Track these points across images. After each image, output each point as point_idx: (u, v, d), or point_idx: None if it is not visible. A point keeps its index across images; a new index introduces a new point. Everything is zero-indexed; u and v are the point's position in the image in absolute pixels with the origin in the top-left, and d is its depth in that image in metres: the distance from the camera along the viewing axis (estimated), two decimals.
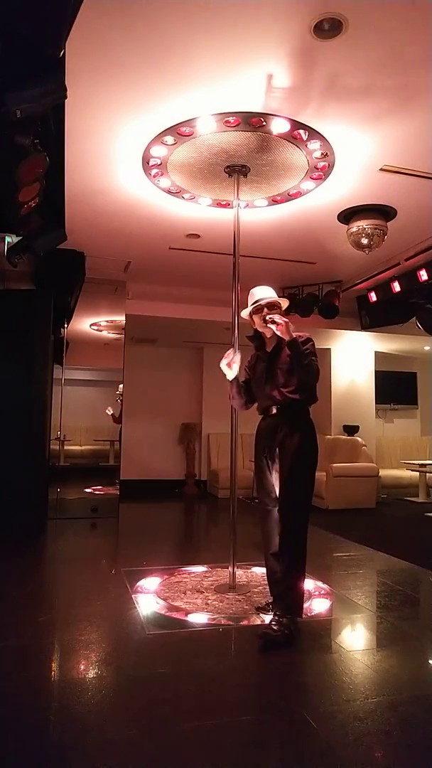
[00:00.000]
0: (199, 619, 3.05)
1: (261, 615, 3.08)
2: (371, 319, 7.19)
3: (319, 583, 3.70)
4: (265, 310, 3.05)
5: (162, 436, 9.04)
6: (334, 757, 1.80)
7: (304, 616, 3.08)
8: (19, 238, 4.45)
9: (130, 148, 3.69)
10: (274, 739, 1.93)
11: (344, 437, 8.39)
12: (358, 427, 8.59)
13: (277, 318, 2.92)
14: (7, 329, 5.76)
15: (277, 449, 2.97)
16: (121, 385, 6.80)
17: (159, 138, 3.53)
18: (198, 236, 5.31)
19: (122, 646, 2.71)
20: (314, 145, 3.58)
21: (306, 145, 3.59)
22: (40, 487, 5.86)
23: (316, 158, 3.77)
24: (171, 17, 2.54)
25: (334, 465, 7.37)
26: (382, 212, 4.67)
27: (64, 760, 1.80)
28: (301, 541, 2.90)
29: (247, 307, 3.16)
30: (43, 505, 5.84)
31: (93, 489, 6.54)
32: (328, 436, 8.25)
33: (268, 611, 3.02)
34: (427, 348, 8.98)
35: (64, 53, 2.41)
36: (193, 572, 3.97)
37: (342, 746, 1.85)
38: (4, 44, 2.23)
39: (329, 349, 8.60)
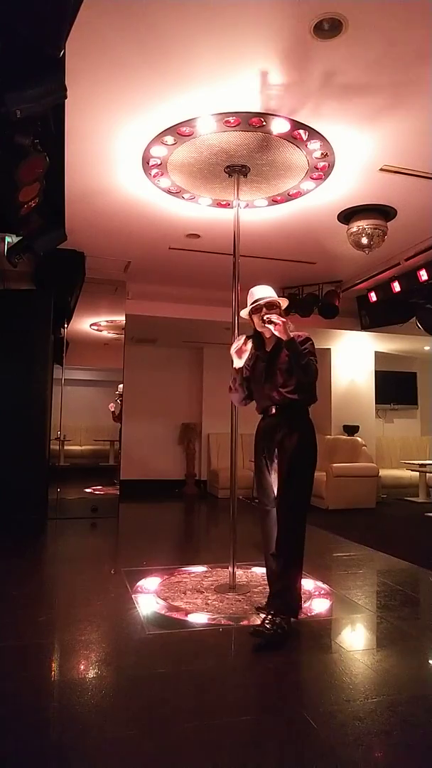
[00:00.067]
0: (199, 619, 3.05)
1: (261, 615, 3.07)
2: (371, 319, 7.19)
3: (319, 583, 3.70)
4: (264, 309, 3.05)
5: (162, 436, 9.03)
6: (334, 757, 1.80)
7: (304, 615, 3.08)
8: (19, 238, 4.46)
9: (130, 148, 3.69)
10: (274, 739, 1.92)
11: (344, 437, 8.39)
12: (358, 427, 8.59)
13: (274, 318, 2.92)
14: (7, 329, 5.76)
15: (276, 449, 2.97)
16: (120, 385, 6.80)
17: (159, 138, 3.53)
18: (198, 236, 5.31)
19: (122, 646, 2.71)
20: (314, 145, 3.58)
21: (306, 145, 3.59)
22: (40, 487, 5.86)
23: (316, 158, 3.77)
24: (171, 17, 2.54)
25: (334, 465, 7.37)
26: (382, 212, 4.67)
27: (64, 760, 1.80)
28: (299, 541, 2.90)
29: (246, 306, 3.16)
30: (43, 505, 5.85)
31: (93, 489, 6.54)
32: (328, 436, 8.25)
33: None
34: (427, 348, 8.98)
35: (64, 53, 2.41)
36: (193, 572, 3.97)
37: (342, 746, 1.85)
38: (4, 44, 2.23)
39: (329, 349, 8.60)
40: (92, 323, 6.69)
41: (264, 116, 3.28)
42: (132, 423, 8.12)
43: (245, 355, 3.12)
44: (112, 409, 6.73)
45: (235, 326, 3.74)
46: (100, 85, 3.04)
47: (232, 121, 3.31)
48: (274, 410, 3.04)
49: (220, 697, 2.23)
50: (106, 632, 2.88)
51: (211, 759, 1.81)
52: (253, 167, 3.86)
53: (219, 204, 4.54)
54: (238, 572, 3.66)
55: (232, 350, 3.15)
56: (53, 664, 2.56)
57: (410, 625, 3.10)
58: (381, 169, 3.97)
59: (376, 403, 9.06)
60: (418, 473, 8.37)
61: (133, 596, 3.40)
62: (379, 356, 9.06)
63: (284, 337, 2.91)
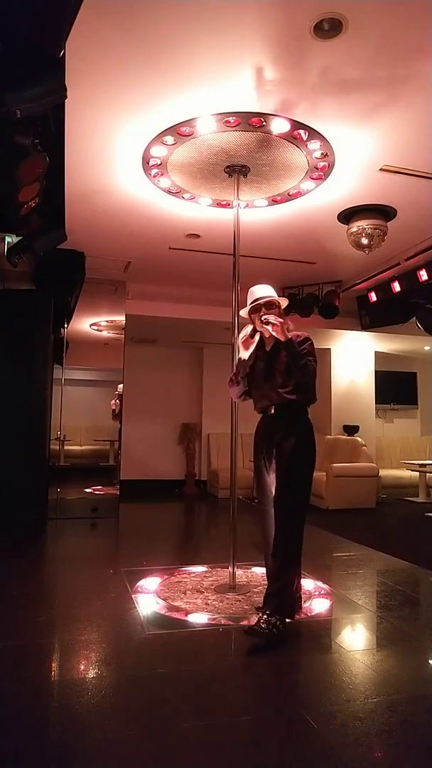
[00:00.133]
0: (199, 619, 3.05)
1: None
2: (371, 319, 7.19)
3: (319, 583, 3.70)
4: (263, 309, 3.05)
5: (162, 436, 9.03)
6: (334, 757, 1.80)
7: (304, 615, 3.09)
8: (19, 238, 4.46)
9: (130, 148, 3.69)
10: (274, 739, 1.92)
11: (344, 437, 8.39)
12: (358, 427, 8.59)
13: (272, 318, 2.92)
14: (7, 329, 5.76)
15: (275, 450, 2.97)
16: (120, 386, 6.80)
17: (159, 138, 3.52)
18: (198, 236, 5.31)
19: (122, 646, 2.71)
20: (314, 145, 3.58)
21: (306, 145, 3.59)
22: (40, 487, 5.86)
23: (316, 158, 3.77)
24: (171, 17, 2.54)
25: (334, 465, 7.37)
26: (382, 212, 4.67)
27: (64, 760, 1.80)
28: (297, 541, 2.90)
29: (246, 306, 3.16)
30: (43, 505, 5.85)
31: (93, 489, 6.54)
32: (328, 436, 8.25)
33: None
34: (427, 348, 8.98)
35: (64, 53, 2.41)
36: (193, 572, 3.97)
37: (342, 746, 1.85)
38: (4, 44, 2.23)
39: (329, 349, 8.60)
40: (92, 323, 6.69)
41: (264, 116, 3.28)
42: (132, 423, 8.11)
43: (252, 348, 3.09)
44: (114, 407, 6.74)
45: (235, 326, 3.74)
46: (100, 85, 3.04)
47: (232, 121, 3.31)
48: (272, 410, 3.04)
49: (220, 697, 2.23)
50: (106, 632, 2.88)
51: (211, 759, 1.81)
52: (253, 167, 3.86)
53: (219, 204, 4.54)
54: (238, 572, 3.66)
55: (240, 340, 3.12)
56: (53, 664, 2.56)
57: (410, 625, 3.10)
58: (381, 169, 3.97)
59: (376, 403, 9.06)
60: (418, 473, 8.37)
61: (133, 596, 3.40)
62: (379, 356, 9.06)
63: (282, 338, 2.91)
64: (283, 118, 3.31)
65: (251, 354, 3.11)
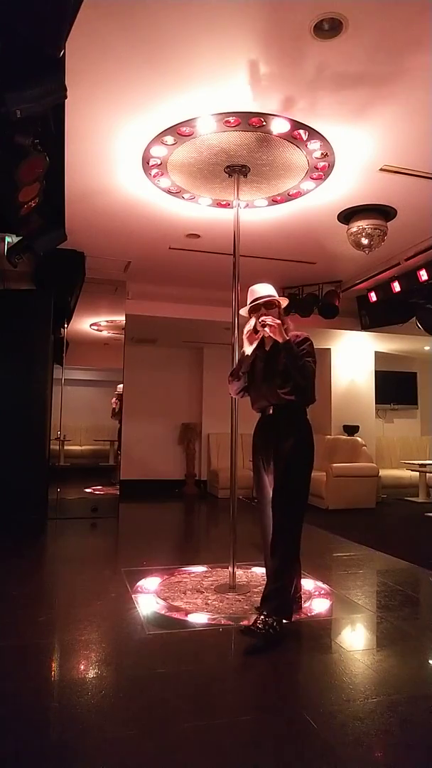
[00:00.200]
0: (199, 619, 3.05)
1: None
2: (371, 319, 7.19)
3: (319, 583, 3.70)
4: (263, 309, 3.04)
5: (162, 436, 9.03)
6: (334, 757, 1.80)
7: (304, 615, 3.09)
8: (19, 238, 4.46)
9: (130, 148, 3.69)
10: (274, 739, 1.92)
11: (344, 437, 8.39)
12: (358, 427, 8.59)
13: (268, 320, 2.91)
14: (7, 329, 5.76)
15: (273, 450, 2.96)
16: (119, 386, 6.80)
17: (159, 138, 3.52)
18: (198, 236, 5.31)
19: (122, 646, 2.71)
20: (314, 145, 3.58)
21: (306, 145, 3.59)
22: (40, 487, 5.86)
23: (316, 158, 3.77)
24: (171, 17, 2.54)
25: (334, 465, 7.37)
26: (382, 212, 4.67)
27: (64, 760, 1.80)
28: (294, 542, 2.89)
29: (246, 305, 3.16)
30: (43, 505, 5.85)
31: (93, 489, 6.54)
32: (328, 436, 8.25)
33: None
34: (427, 348, 8.98)
35: (64, 53, 2.41)
36: (193, 572, 3.97)
37: (342, 746, 1.85)
38: (4, 44, 2.23)
39: (329, 349, 8.60)
40: (92, 323, 6.69)
41: (264, 116, 3.28)
42: (132, 423, 8.11)
43: (255, 344, 3.08)
44: (114, 405, 6.74)
45: (235, 326, 3.74)
46: (100, 85, 3.04)
47: (232, 121, 3.31)
48: (271, 410, 3.03)
49: (220, 697, 2.23)
50: (106, 632, 2.88)
51: (211, 759, 1.81)
52: (253, 167, 3.86)
53: (219, 204, 4.54)
54: (238, 572, 3.66)
55: (245, 334, 3.09)
56: (53, 664, 2.56)
57: (410, 625, 3.10)
58: (381, 169, 3.97)
59: (376, 403, 9.06)
60: (418, 473, 8.37)
61: (133, 596, 3.40)
62: (379, 356, 9.06)
63: (280, 339, 2.90)
64: (283, 118, 3.31)
65: (252, 351, 3.11)
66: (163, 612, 3.16)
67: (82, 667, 2.49)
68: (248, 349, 3.10)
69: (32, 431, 5.80)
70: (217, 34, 2.63)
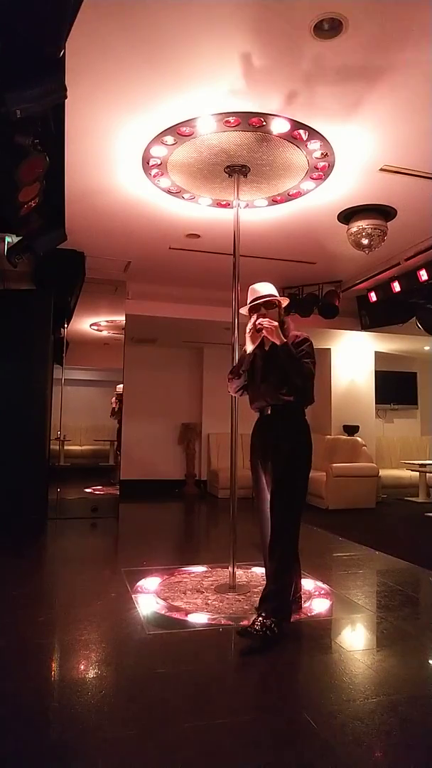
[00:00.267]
0: (199, 619, 3.05)
1: None
2: (371, 319, 7.19)
3: (319, 583, 3.70)
4: (263, 309, 3.04)
5: (162, 436, 9.03)
6: (334, 757, 1.80)
7: (304, 615, 3.09)
8: (19, 238, 4.45)
9: (130, 148, 3.69)
10: (274, 739, 1.92)
11: (344, 437, 8.39)
12: (358, 427, 8.59)
13: (265, 323, 2.90)
14: (7, 329, 5.76)
15: (271, 450, 2.96)
16: (119, 386, 6.80)
17: (159, 138, 3.52)
18: (198, 236, 5.31)
19: (122, 646, 2.71)
20: (314, 145, 3.58)
21: (306, 145, 3.59)
22: (40, 487, 5.86)
23: (316, 158, 3.77)
24: (171, 17, 2.53)
25: (334, 465, 7.37)
26: (382, 212, 4.67)
27: (64, 760, 1.80)
28: (292, 543, 2.88)
29: (246, 304, 3.15)
30: (43, 505, 5.84)
31: (93, 489, 6.54)
32: (328, 436, 8.25)
33: None
34: (427, 348, 8.98)
35: (64, 53, 2.42)
36: (193, 572, 3.97)
37: (342, 746, 1.85)
38: (4, 44, 2.23)
39: (329, 349, 8.60)
40: (92, 323, 6.69)
41: (264, 116, 3.28)
42: (132, 423, 8.11)
43: (257, 342, 3.06)
44: (114, 405, 6.74)
45: (235, 326, 3.75)
46: (100, 85, 3.04)
47: (232, 121, 3.31)
48: (269, 410, 3.02)
49: (220, 697, 2.23)
50: (106, 632, 2.88)
51: (211, 759, 1.81)
52: (253, 167, 3.86)
53: (219, 204, 4.54)
54: (238, 572, 3.66)
55: (248, 332, 3.05)
56: (53, 664, 2.56)
57: (410, 625, 3.10)
58: (381, 169, 3.97)
59: (376, 403, 9.06)
60: (418, 473, 8.37)
61: (133, 596, 3.41)
62: (379, 356, 9.06)
63: (277, 342, 2.89)
64: (283, 118, 3.31)
65: (252, 350, 3.09)
66: (163, 612, 3.16)
67: (82, 667, 2.49)
68: (249, 348, 3.09)
69: (32, 431, 5.80)
70: (217, 34, 2.63)
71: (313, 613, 3.16)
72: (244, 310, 3.20)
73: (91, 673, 2.41)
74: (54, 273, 5.81)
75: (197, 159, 3.78)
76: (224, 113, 3.26)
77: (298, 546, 2.94)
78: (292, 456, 2.91)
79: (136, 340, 8.25)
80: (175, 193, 4.33)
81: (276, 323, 2.94)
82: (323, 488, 7.23)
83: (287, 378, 2.92)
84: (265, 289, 3.10)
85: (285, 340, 2.92)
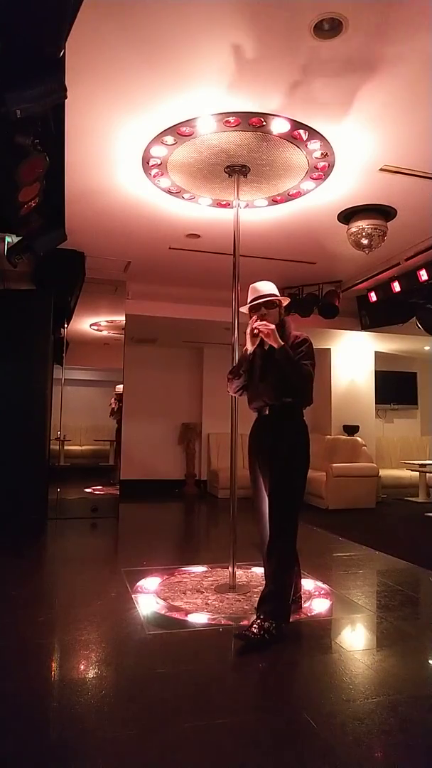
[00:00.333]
0: (199, 619, 3.05)
1: None
2: (371, 319, 7.19)
3: (319, 583, 3.70)
4: (263, 308, 3.03)
5: (162, 436, 9.03)
6: (334, 757, 1.80)
7: (304, 615, 3.09)
8: (19, 238, 4.46)
9: (130, 148, 3.69)
10: (274, 739, 1.92)
11: (344, 437, 8.39)
12: (358, 427, 8.59)
13: (262, 327, 2.88)
14: (7, 329, 5.76)
15: (268, 451, 2.94)
16: (118, 386, 6.80)
17: (159, 138, 3.53)
18: (198, 236, 5.31)
19: (122, 646, 2.71)
20: (314, 145, 3.58)
21: (306, 145, 3.59)
22: (40, 487, 5.86)
23: (316, 158, 3.77)
24: (171, 17, 2.53)
25: (334, 465, 7.37)
26: (382, 212, 4.67)
27: (64, 760, 1.80)
28: (291, 544, 2.87)
29: (247, 303, 3.13)
30: (43, 505, 5.84)
31: (93, 489, 6.54)
32: (328, 436, 8.26)
33: None
34: (427, 348, 8.98)
35: (64, 53, 2.42)
36: (193, 572, 3.97)
37: (342, 746, 1.85)
38: (4, 44, 2.23)
39: (329, 349, 8.60)
40: (92, 323, 6.69)
41: (264, 116, 3.28)
42: (132, 423, 8.11)
43: (257, 342, 3.03)
44: (113, 405, 6.74)
45: (235, 326, 3.75)
46: (100, 85, 3.04)
47: (231, 121, 3.31)
48: (267, 411, 3.01)
49: (219, 697, 2.23)
50: (106, 632, 2.88)
51: (211, 759, 1.81)
52: (253, 167, 3.86)
53: (219, 204, 4.54)
54: (238, 572, 3.66)
55: (248, 332, 3.02)
56: (53, 664, 2.56)
57: (410, 625, 3.10)
58: (381, 169, 3.97)
59: (376, 403, 9.06)
60: (418, 473, 8.37)
61: (133, 596, 3.41)
62: (379, 356, 9.07)
63: (275, 345, 2.87)
64: (283, 118, 3.31)
65: (252, 350, 3.07)
66: (163, 612, 3.16)
67: (82, 667, 2.49)
68: (250, 348, 3.07)
69: (32, 431, 5.80)
70: (217, 34, 2.63)
71: (313, 613, 3.16)
72: (244, 309, 3.18)
73: (91, 673, 2.41)
74: (54, 273, 5.81)
75: (197, 159, 3.78)
76: (224, 113, 3.26)
77: (295, 548, 2.93)
78: (290, 456, 2.90)
79: (136, 340, 8.25)
80: (175, 193, 4.33)
81: (273, 326, 2.91)
82: (323, 488, 7.23)
83: (286, 379, 2.91)
84: (265, 288, 3.09)
85: (282, 343, 2.89)
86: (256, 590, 3.47)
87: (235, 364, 3.23)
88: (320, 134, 3.49)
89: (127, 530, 5.96)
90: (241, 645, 2.62)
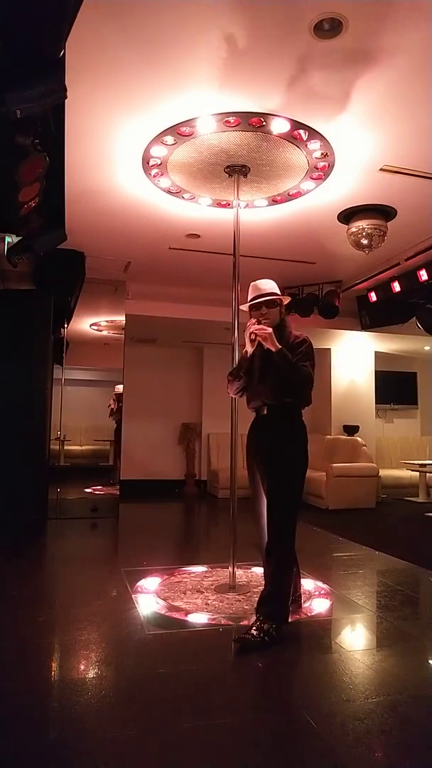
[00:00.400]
0: (199, 619, 3.05)
1: None
2: (371, 319, 7.19)
3: (319, 583, 3.70)
4: (264, 307, 3.01)
5: (162, 436, 9.03)
6: (334, 757, 1.80)
7: (304, 615, 3.09)
8: (19, 238, 4.46)
9: (130, 148, 3.69)
10: (274, 739, 1.92)
11: (344, 437, 8.39)
12: (358, 427, 8.59)
13: (259, 332, 2.86)
14: (7, 329, 5.76)
15: (266, 451, 2.93)
16: (117, 386, 6.80)
17: (159, 138, 3.53)
18: (198, 236, 5.31)
19: (122, 646, 2.70)
20: (314, 145, 3.58)
21: (306, 145, 3.59)
22: (40, 487, 5.86)
23: (316, 158, 3.77)
24: (172, 17, 2.53)
25: (334, 465, 7.37)
26: (382, 212, 4.67)
27: (64, 760, 1.80)
28: (289, 544, 2.85)
29: (247, 301, 3.11)
30: (43, 505, 5.85)
31: (93, 489, 6.54)
32: (328, 436, 8.25)
33: None
34: (427, 348, 8.98)
35: (64, 53, 2.42)
36: (193, 572, 3.97)
37: (342, 746, 1.85)
38: (4, 44, 2.23)
39: (329, 349, 8.60)
40: (92, 323, 6.69)
41: (264, 116, 3.28)
42: (132, 423, 8.11)
43: (256, 343, 3.00)
44: (112, 406, 6.75)
45: (235, 326, 3.75)
46: (100, 85, 3.04)
47: (231, 121, 3.31)
48: (265, 410, 3.00)
49: (220, 697, 2.23)
50: (106, 632, 2.88)
51: (211, 759, 1.81)
52: (253, 167, 3.86)
53: (219, 204, 4.54)
54: (238, 572, 3.66)
55: (248, 334, 2.98)
56: (53, 664, 2.56)
57: (410, 625, 3.10)
58: (381, 169, 3.97)
59: (376, 403, 9.06)
60: (418, 473, 8.37)
61: (133, 596, 3.41)
62: (379, 356, 9.07)
63: (273, 349, 2.85)
64: (283, 118, 3.31)
65: (252, 351, 3.05)
66: (163, 612, 3.16)
67: (82, 667, 2.49)
68: (249, 349, 3.04)
69: (32, 431, 5.80)
70: (217, 34, 2.63)
71: (313, 613, 3.16)
72: (244, 307, 3.15)
73: (91, 673, 2.41)
74: (54, 273, 5.81)
75: (197, 159, 3.78)
76: (224, 113, 3.26)
77: (293, 549, 2.92)
78: (288, 456, 2.89)
79: (136, 340, 8.25)
80: (175, 193, 4.33)
81: (269, 330, 2.88)
82: (323, 488, 7.23)
83: (285, 380, 2.89)
84: (266, 286, 3.07)
85: (280, 347, 2.86)
86: (256, 590, 3.47)
87: (235, 366, 3.21)
88: (320, 134, 3.49)
89: (127, 530, 5.96)
90: (239, 648, 2.62)
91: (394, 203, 4.55)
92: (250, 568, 3.97)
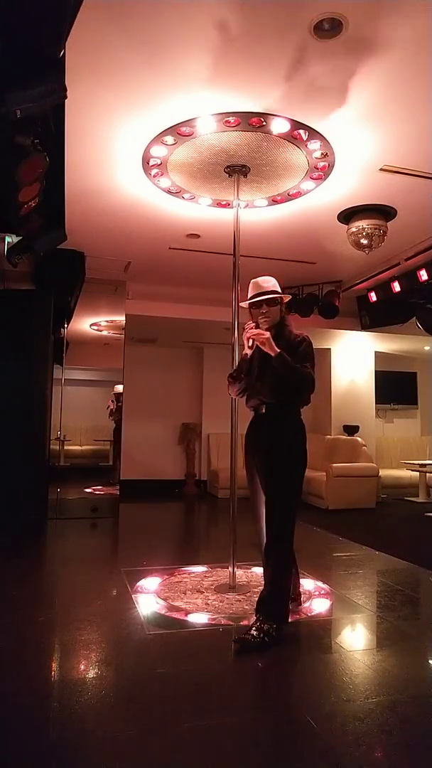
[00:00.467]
0: (199, 619, 3.05)
1: None
2: (371, 319, 7.19)
3: (319, 583, 3.70)
4: (264, 305, 3.00)
5: (162, 436, 9.03)
6: (334, 757, 1.80)
7: (304, 615, 3.09)
8: (19, 238, 4.46)
9: (130, 148, 3.69)
10: (274, 739, 1.93)
11: (344, 437, 8.39)
12: (358, 427, 8.59)
13: (256, 337, 2.85)
14: (7, 329, 5.76)
15: (265, 450, 2.93)
16: (116, 386, 6.80)
17: (159, 138, 3.53)
18: (198, 236, 5.31)
19: (122, 646, 2.71)
20: (314, 144, 3.58)
21: (306, 145, 3.59)
22: (40, 487, 5.86)
23: (316, 158, 3.77)
24: (172, 17, 2.53)
25: (334, 465, 7.37)
26: (382, 212, 4.67)
27: (64, 760, 1.80)
28: (288, 544, 2.85)
29: (247, 299, 3.09)
30: (43, 505, 5.85)
31: (93, 489, 6.54)
32: (328, 436, 8.25)
33: None
34: (427, 348, 8.98)
35: (64, 53, 2.41)
36: (193, 572, 3.97)
37: (342, 746, 1.85)
38: (4, 44, 2.23)
39: (329, 349, 8.60)
40: (92, 323, 6.69)
41: (264, 116, 3.28)
42: (132, 423, 8.11)
43: (254, 346, 3.00)
44: (111, 406, 6.75)
45: (235, 326, 3.75)
46: (100, 85, 3.04)
47: (232, 121, 3.31)
48: (264, 410, 2.99)
49: (220, 697, 2.23)
50: (106, 632, 2.88)
51: (211, 759, 1.81)
52: (253, 167, 3.86)
53: (219, 204, 4.54)
54: (238, 572, 3.66)
55: (245, 337, 2.98)
56: (53, 664, 2.56)
57: (410, 625, 3.10)
58: (381, 169, 3.97)
59: (376, 403, 9.06)
60: (418, 473, 8.37)
61: (133, 596, 3.40)
62: (379, 356, 9.06)
63: (272, 353, 2.83)
64: (283, 118, 3.31)
65: (251, 351, 3.04)
66: (163, 612, 3.16)
67: (82, 667, 2.49)
68: (249, 351, 3.03)
69: (32, 431, 5.80)
70: (217, 35, 2.63)
71: (313, 613, 3.16)
72: (244, 305, 3.12)
73: (91, 673, 2.41)
74: (54, 273, 5.81)
75: (197, 159, 3.78)
76: (224, 113, 3.26)
77: (292, 549, 2.91)
78: (287, 456, 2.88)
79: (136, 340, 8.25)
80: (175, 193, 4.33)
81: (267, 335, 2.87)
82: (323, 488, 7.23)
83: (284, 381, 2.87)
84: (267, 284, 3.05)
85: (278, 350, 2.84)
86: (256, 590, 3.47)
87: (235, 367, 3.20)
88: (320, 134, 3.49)
89: (126, 530, 5.96)
90: (239, 648, 2.62)
91: (394, 203, 4.55)
92: (250, 568, 3.97)
